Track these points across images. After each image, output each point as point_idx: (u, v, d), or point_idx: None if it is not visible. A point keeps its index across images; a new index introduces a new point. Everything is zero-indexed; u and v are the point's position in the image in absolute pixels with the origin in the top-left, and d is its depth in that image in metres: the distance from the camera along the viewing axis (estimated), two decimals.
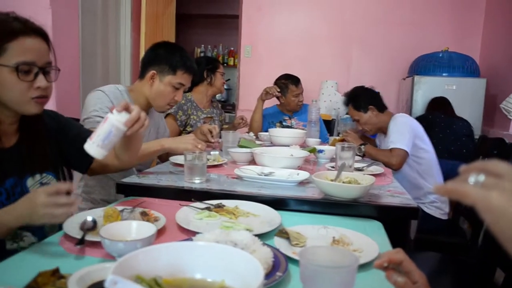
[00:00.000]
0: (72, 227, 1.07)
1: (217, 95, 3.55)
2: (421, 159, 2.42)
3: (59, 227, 1.14)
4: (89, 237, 1.01)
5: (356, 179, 1.47)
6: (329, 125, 3.77)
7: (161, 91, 1.89)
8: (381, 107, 2.58)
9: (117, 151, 1.33)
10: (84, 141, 1.10)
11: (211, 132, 2.15)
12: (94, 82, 3.47)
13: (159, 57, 1.90)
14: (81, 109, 3.27)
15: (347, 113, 2.83)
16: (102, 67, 3.76)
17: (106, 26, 3.80)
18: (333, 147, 2.17)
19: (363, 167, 1.95)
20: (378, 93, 2.68)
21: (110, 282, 0.55)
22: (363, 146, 2.38)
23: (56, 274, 0.79)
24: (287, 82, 3.25)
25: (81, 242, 0.98)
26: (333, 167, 1.90)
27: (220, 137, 2.23)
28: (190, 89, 2.85)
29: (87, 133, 1.21)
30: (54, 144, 1.29)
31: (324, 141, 2.93)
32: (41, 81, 1.09)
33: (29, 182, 1.18)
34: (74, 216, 1.16)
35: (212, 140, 2.14)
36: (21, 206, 0.97)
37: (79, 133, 1.35)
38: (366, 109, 2.55)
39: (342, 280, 0.68)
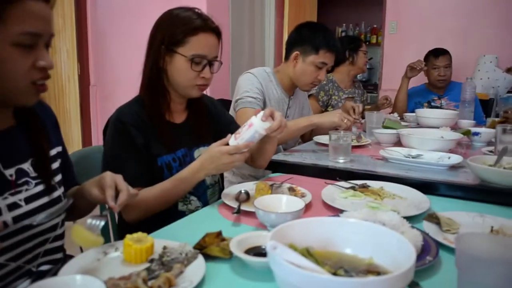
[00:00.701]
0: (229, 197, 1.20)
1: (358, 75, 3.46)
2: None
3: (218, 196, 1.31)
4: (244, 207, 1.11)
5: None
6: (485, 106, 3.38)
7: (304, 71, 1.93)
8: None
9: (253, 154, 1.42)
10: (231, 130, 1.25)
11: (354, 109, 2.12)
12: (241, 65, 3.70)
13: (302, 38, 1.95)
14: (230, 90, 3.54)
15: (509, 91, 2.50)
16: (248, 51, 3.99)
17: (253, 12, 4.00)
18: (491, 130, 1.96)
19: None
20: None
21: (271, 246, 0.61)
22: None
23: (219, 236, 0.89)
24: (429, 54, 3.01)
25: (238, 211, 1.09)
26: (491, 151, 1.72)
27: (363, 118, 2.19)
28: (332, 70, 2.85)
29: (234, 125, 1.44)
30: (211, 123, 1.45)
31: (479, 123, 2.65)
32: (207, 72, 1.25)
33: (196, 153, 1.35)
34: (229, 188, 1.29)
35: (354, 116, 2.10)
36: (201, 158, 1.18)
37: (230, 122, 1.51)
38: None
39: (507, 273, 0.61)
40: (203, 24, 1.22)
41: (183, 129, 1.34)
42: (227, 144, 1.17)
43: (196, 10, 1.25)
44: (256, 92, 1.85)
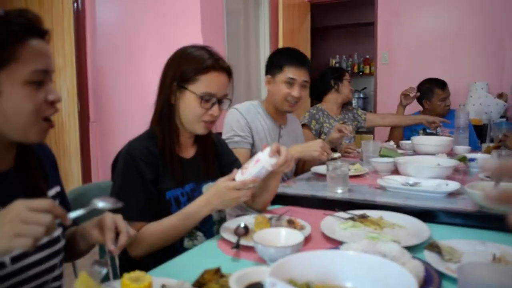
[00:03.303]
0: (228, 231, 1.19)
1: (353, 105, 3.52)
2: None
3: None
4: (243, 242, 1.10)
5: None
6: (480, 131, 3.41)
7: (276, 91, 1.99)
8: None
9: (255, 193, 1.41)
10: (235, 166, 1.27)
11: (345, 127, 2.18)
12: (238, 97, 3.75)
13: (270, 62, 2.05)
14: None
15: (501, 116, 2.53)
16: (244, 83, 4.06)
17: (248, 47, 4.11)
18: (487, 155, 1.97)
19: None
20: None
21: (270, 284, 0.60)
22: None
23: (218, 272, 0.88)
24: (432, 86, 3.07)
25: (237, 246, 1.08)
26: (488, 177, 1.72)
27: (359, 147, 2.21)
28: (320, 100, 2.93)
29: (237, 163, 1.47)
30: (217, 159, 1.46)
31: (474, 148, 2.66)
32: (215, 110, 1.27)
33: (204, 188, 1.36)
34: (228, 222, 1.29)
35: (346, 132, 2.16)
36: (208, 194, 1.19)
37: (235, 160, 1.52)
38: None
39: None
40: (214, 63, 1.25)
41: (192, 163, 1.36)
42: (234, 180, 1.17)
43: (209, 49, 1.29)
44: (242, 129, 1.89)
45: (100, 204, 0.87)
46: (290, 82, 1.96)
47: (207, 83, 1.25)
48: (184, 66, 1.25)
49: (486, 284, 0.63)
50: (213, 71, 1.25)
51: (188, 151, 1.38)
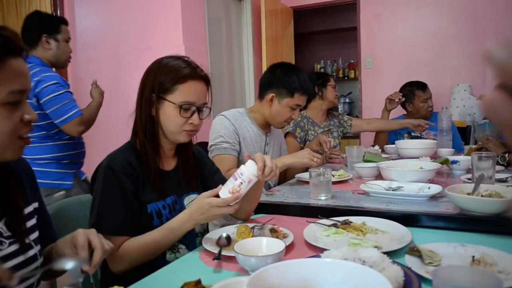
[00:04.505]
0: (210, 242, 1.18)
1: (339, 109, 3.53)
2: None
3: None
4: (225, 252, 1.10)
5: (498, 192, 1.33)
6: (464, 133, 3.46)
7: (279, 112, 2.01)
8: None
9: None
10: (219, 180, 1.32)
11: (326, 143, 2.22)
12: (222, 105, 3.75)
13: (277, 80, 2.01)
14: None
15: (484, 118, 2.57)
16: (229, 91, 4.06)
17: (231, 54, 4.11)
18: (468, 157, 1.99)
19: (507, 178, 1.75)
20: None
21: None
22: (507, 154, 2.13)
23: (198, 285, 0.87)
24: (413, 88, 3.11)
25: (218, 257, 1.07)
26: (469, 179, 1.74)
27: (343, 152, 2.23)
28: (304, 106, 2.92)
29: (218, 174, 1.50)
30: (198, 171, 1.46)
31: (458, 150, 2.70)
32: (195, 119, 1.27)
33: (186, 200, 1.36)
34: (210, 232, 1.28)
35: (326, 149, 2.22)
36: (191, 209, 1.18)
37: (216, 170, 1.52)
38: None
39: None
40: (191, 72, 1.25)
41: (172, 176, 1.35)
42: (218, 195, 1.16)
43: (185, 59, 1.29)
44: (230, 135, 1.89)
45: (68, 265, 0.84)
46: (295, 108, 2.01)
47: (185, 92, 1.25)
48: (162, 77, 1.25)
49: (460, 287, 0.64)
50: (191, 80, 1.25)
51: (169, 163, 1.37)
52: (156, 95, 1.25)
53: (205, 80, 1.31)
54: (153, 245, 1.19)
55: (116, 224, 1.17)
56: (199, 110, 1.29)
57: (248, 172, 1.18)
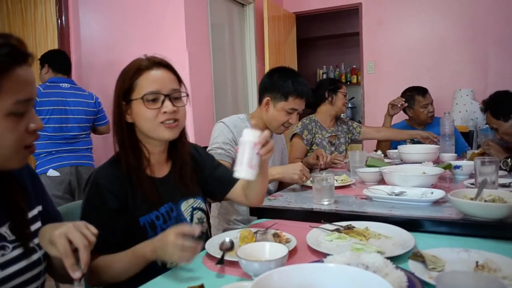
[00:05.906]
0: (213, 247, 1.18)
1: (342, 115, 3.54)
2: None
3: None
4: (228, 257, 1.10)
5: (501, 197, 1.33)
6: (466, 138, 3.46)
7: (274, 116, 2.01)
8: None
9: (246, 190, 1.41)
10: (222, 172, 1.26)
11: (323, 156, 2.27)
12: (225, 111, 3.76)
13: (273, 84, 2.02)
14: None
15: (486, 123, 2.57)
16: (232, 96, 4.07)
17: (234, 59, 4.13)
18: (471, 162, 1.99)
19: (510, 183, 1.75)
20: None
21: None
22: (510, 159, 2.12)
23: None
24: (413, 94, 3.11)
25: (220, 261, 1.07)
26: (472, 184, 1.74)
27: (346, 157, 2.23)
28: (314, 110, 2.93)
29: (220, 168, 1.45)
30: (197, 172, 1.42)
31: (464, 152, 2.69)
32: (167, 106, 1.19)
33: (183, 206, 1.32)
34: (213, 237, 1.27)
35: (321, 163, 2.28)
36: (157, 241, 1.07)
37: (218, 165, 1.49)
38: (507, 117, 2.28)
39: None
40: (145, 63, 1.21)
41: (166, 183, 1.30)
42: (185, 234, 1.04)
43: (144, 56, 1.25)
44: (226, 142, 1.90)
45: None
46: (291, 112, 2.00)
47: (145, 83, 1.19)
48: (123, 80, 1.22)
49: None
50: (147, 70, 1.20)
51: (161, 170, 1.32)
52: (124, 100, 1.21)
53: (165, 66, 1.24)
54: (123, 265, 1.11)
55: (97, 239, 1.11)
56: (171, 97, 1.22)
57: (246, 139, 1.14)
